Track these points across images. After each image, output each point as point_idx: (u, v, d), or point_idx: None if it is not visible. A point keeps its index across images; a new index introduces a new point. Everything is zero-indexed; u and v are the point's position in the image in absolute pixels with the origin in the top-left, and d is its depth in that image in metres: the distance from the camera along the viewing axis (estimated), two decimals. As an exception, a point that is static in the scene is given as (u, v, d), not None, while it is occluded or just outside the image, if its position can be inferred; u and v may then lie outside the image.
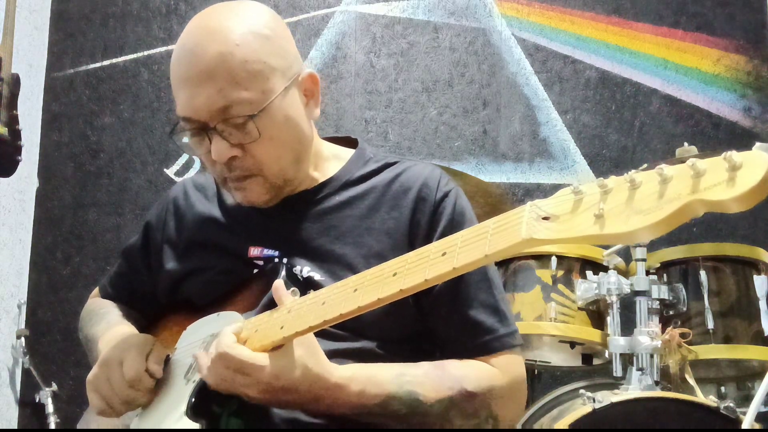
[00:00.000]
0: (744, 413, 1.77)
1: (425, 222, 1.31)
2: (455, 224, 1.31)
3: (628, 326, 2.15)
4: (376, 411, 1.16)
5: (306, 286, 1.21)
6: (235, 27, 1.24)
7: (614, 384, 2.09)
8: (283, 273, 1.23)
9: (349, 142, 1.49)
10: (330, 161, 1.42)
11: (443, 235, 1.27)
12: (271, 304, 1.16)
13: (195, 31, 1.26)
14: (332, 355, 1.16)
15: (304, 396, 1.11)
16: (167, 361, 1.28)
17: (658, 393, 1.97)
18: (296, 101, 1.30)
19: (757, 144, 0.67)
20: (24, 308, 3.02)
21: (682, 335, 2.07)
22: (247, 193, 1.29)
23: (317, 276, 1.27)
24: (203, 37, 1.23)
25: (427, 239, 1.28)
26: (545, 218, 0.78)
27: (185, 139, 1.31)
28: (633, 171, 0.70)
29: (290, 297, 1.12)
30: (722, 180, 0.65)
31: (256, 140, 1.23)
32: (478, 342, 1.27)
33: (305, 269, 1.29)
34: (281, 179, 1.30)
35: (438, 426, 1.21)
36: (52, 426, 2.76)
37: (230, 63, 1.21)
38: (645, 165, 2.37)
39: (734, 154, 0.64)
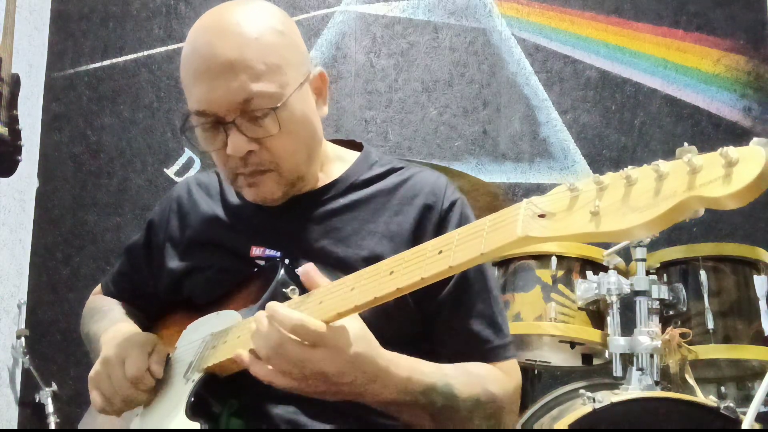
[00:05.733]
0: (744, 413, 1.77)
1: (431, 230, 1.31)
2: None
3: (628, 326, 2.14)
4: (419, 400, 1.15)
5: None
6: (251, 22, 1.24)
7: (614, 384, 2.09)
8: (282, 271, 1.23)
9: (352, 144, 1.49)
10: (334, 162, 1.42)
11: None
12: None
13: (209, 27, 1.26)
14: None
15: (365, 374, 1.08)
16: (167, 360, 1.28)
17: (658, 393, 1.96)
18: (309, 97, 1.30)
19: (755, 139, 0.65)
20: (24, 308, 3.03)
21: (682, 335, 2.07)
22: (260, 189, 1.29)
23: (318, 278, 1.27)
24: (220, 32, 1.23)
25: None
26: (541, 216, 0.78)
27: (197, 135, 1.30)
28: (629, 167, 0.70)
29: (325, 279, 1.10)
30: (718, 176, 0.64)
31: (275, 134, 1.23)
32: (474, 352, 1.28)
33: (306, 271, 1.29)
34: (295, 175, 1.30)
35: (460, 424, 1.21)
36: (52, 426, 2.76)
37: (250, 56, 1.21)
38: (645, 165, 2.39)
39: (730, 150, 0.63)
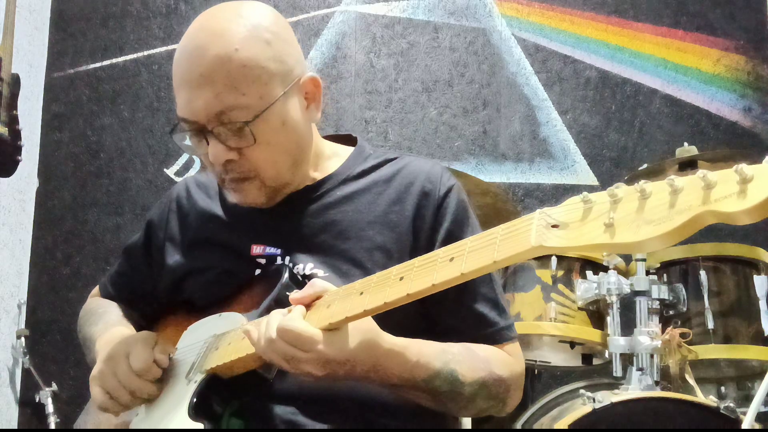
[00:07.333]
0: (744, 413, 1.78)
1: (429, 216, 1.32)
2: (459, 219, 1.33)
3: (628, 326, 2.15)
4: (420, 386, 1.17)
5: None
6: (235, 30, 1.23)
7: (614, 384, 2.10)
8: (287, 275, 1.23)
9: (349, 140, 1.49)
10: (330, 159, 1.42)
11: (448, 230, 1.30)
12: (274, 306, 1.17)
13: (197, 32, 1.26)
14: None
15: (363, 365, 1.11)
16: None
17: (658, 393, 1.97)
18: (295, 106, 1.29)
19: (768, 157, 0.66)
20: (24, 308, 3.02)
21: (682, 335, 2.07)
22: (244, 195, 1.30)
23: (321, 272, 1.28)
24: (204, 40, 1.23)
25: (432, 233, 1.30)
26: (554, 226, 0.79)
27: (186, 141, 1.31)
28: (643, 181, 0.71)
29: (319, 286, 1.12)
30: (733, 192, 0.65)
31: (252, 145, 1.23)
32: (481, 334, 1.29)
33: (308, 266, 1.29)
34: (278, 182, 1.30)
35: (464, 405, 1.23)
36: (52, 426, 2.76)
37: (229, 67, 1.20)
38: (645, 165, 2.39)
39: (745, 167, 0.64)
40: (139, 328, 1.41)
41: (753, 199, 0.64)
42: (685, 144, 2.30)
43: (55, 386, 2.84)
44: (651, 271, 2.20)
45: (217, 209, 1.42)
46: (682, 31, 3.23)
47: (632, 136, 3.16)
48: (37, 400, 2.83)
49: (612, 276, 2.17)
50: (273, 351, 1.07)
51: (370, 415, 1.23)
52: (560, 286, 2.27)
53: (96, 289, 1.62)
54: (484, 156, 3.18)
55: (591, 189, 0.80)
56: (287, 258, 1.30)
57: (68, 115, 3.24)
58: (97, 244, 3.14)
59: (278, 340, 1.05)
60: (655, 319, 2.13)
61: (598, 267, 2.28)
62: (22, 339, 2.88)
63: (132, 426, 1.26)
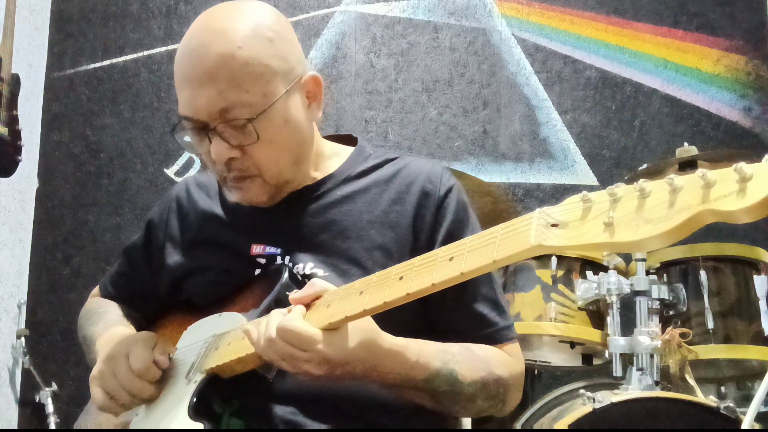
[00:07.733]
0: (744, 413, 1.78)
1: (430, 216, 1.32)
2: (459, 219, 1.33)
3: (628, 326, 2.15)
4: (420, 386, 1.17)
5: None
6: (238, 28, 1.24)
7: (614, 384, 2.10)
8: (286, 275, 1.23)
9: (350, 140, 1.50)
10: (331, 159, 1.42)
11: (448, 230, 1.30)
12: (274, 306, 1.17)
13: (199, 31, 1.26)
14: None
15: (363, 365, 1.11)
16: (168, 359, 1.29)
17: (658, 393, 1.97)
18: (297, 104, 1.30)
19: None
20: (24, 308, 3.03)
21: (682, 335, 2.07)
22: (246, 193, 1.30)
23: (321, 272, 1.28)
24: (206, 38, 1.24)
25: (432, 233, 1.31)
26: (554, 225, 0.79)
27: (186, 138, 1.31)
28: (642, 180, 0.70)
29: (320, 285, 1.12)
30: (732, 191, 0.65)
31: (255, 143, 1.24)
32: (480, 334, 1.29)
33: (308, 266, 1.29)
34: (280, 180, 1.30)
35: (463, 405, 1.23)
36: (52, 426, 2.76)
37: (231, 65, 1.21)
38: (645, 165, 2.39)
39: (744, 166, 0.64)
40: (139, 328, 1.42)
41: (752, 198, 0.64)
42: (685, 144, 2.30)
43: (55, 386, 2.85)
44: (651, 271, 2.20)
45: (217, 209, 1.43)
46: (682, 31, 3.23)
47: (632, 136, 3.17)
48: (37, 400, 2.83)
49: (612, 276, 2.17)
50: (273, 351, 1.07)
51: (370, 415, 1.23)
52: (560, 286, 2.27)
53: (96, 289, 1.62)
54: (484, 156, 3.18)
55: (591, 189, 0.80)
56: (287, 257, 1.31)
57: (68, 115, 3.24)
58: (97, 244, 3.14)
59: (278, 340, 1.06)
60: (655, 319, 2.13)
61: (598, 267, 2.28)
62: (22, 339, 2.89)
63: (132, 426, 1.26)
